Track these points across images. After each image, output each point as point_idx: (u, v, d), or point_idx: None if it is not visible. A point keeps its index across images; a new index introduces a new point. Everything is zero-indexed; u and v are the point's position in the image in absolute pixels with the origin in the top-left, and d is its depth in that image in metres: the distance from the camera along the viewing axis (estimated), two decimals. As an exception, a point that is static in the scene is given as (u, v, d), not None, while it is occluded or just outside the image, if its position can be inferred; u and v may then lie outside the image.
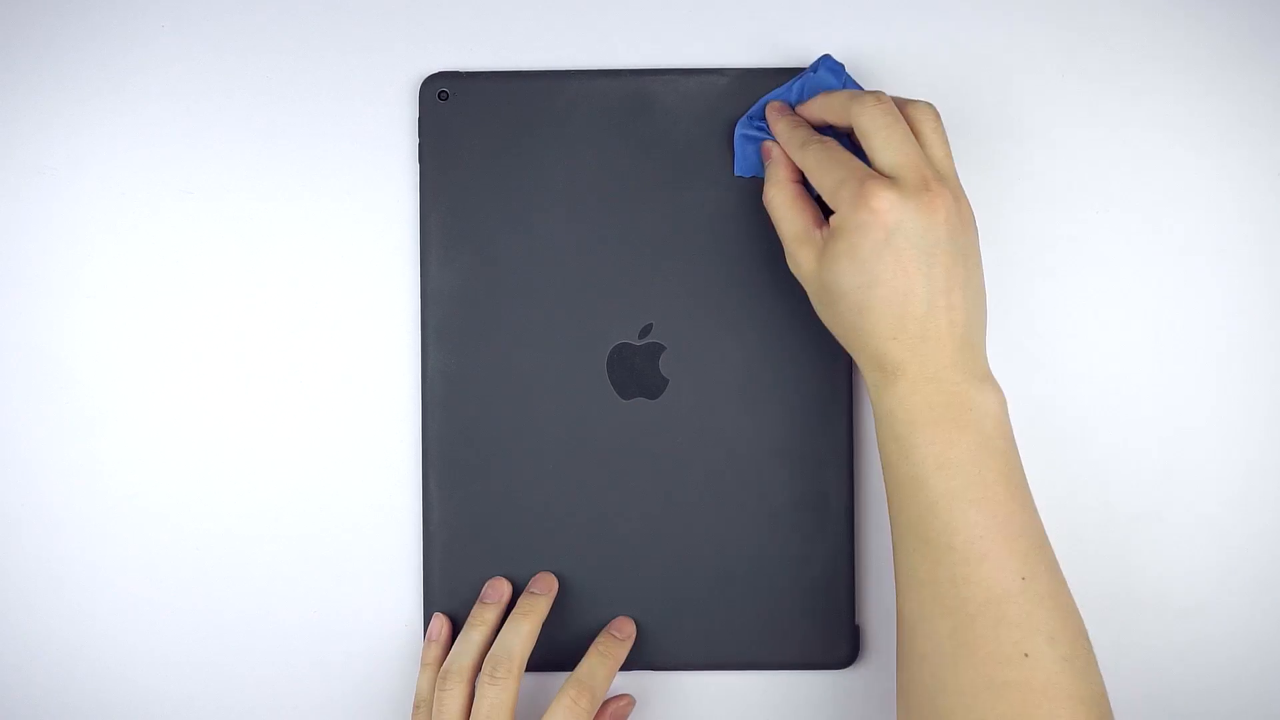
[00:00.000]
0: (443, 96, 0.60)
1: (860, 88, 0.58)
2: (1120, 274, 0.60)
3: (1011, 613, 0.50)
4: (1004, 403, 0.52)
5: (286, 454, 0.61)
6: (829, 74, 0.57)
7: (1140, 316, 0.60)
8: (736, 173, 0.59)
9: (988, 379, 0.52)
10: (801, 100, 0.58)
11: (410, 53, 0.60)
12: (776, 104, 0.58)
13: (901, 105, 0.55)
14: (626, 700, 0.59)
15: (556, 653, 0.59)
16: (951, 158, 0.54)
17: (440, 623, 0.59)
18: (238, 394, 0.60)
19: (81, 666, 0.61)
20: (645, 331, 0.59)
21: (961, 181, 0.54)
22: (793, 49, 0.60)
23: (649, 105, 0.59)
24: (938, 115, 0.54)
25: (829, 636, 0.60)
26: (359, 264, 0.61)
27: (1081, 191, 0.60)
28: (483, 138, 0.59)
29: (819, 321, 0.55)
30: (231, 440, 0.60)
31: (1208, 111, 0.60)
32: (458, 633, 0.58)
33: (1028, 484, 0.52)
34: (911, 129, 0.53)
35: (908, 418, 0.52)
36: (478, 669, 0.56)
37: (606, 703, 0.59)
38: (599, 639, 0.58)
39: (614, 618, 0.59)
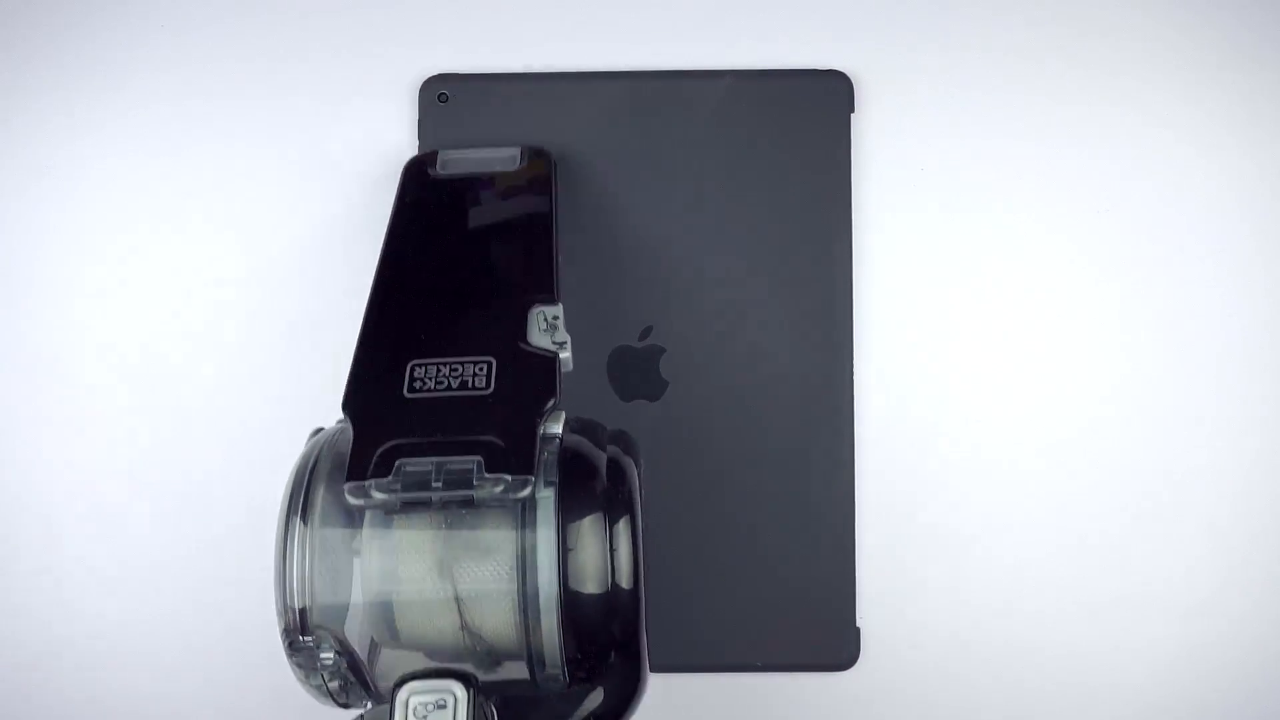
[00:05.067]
0: (442, 98, 0.60)
1: None
2: (1121, 274, 0.60)
3: None
4: None
5: (286, 455, 0.60)
6: None
7: (1140, 316, 0.60)
8: None
9: None
10: None
11: (410, 54, 0.60)
12: None
13: None
14: None
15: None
16: None
17: None
18: (237, 395, 0.60)
19: (80, 667, 0.60)
20: (645, 334, 0.59)
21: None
22: (794, 50, 0.60)
23: (649, 106, 0.59)
24: None
25: (829, 638, 0.59)
26: (359, 266, 0.60)
27: (1081, 191, 0.60)
28: (483, 139, 0.59)
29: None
30: (232, 441, 0.60)
31: (1208, 111, 0.60)
32: None
33: None
34: None
35: None
36: None
37: None
38: None
39: None
